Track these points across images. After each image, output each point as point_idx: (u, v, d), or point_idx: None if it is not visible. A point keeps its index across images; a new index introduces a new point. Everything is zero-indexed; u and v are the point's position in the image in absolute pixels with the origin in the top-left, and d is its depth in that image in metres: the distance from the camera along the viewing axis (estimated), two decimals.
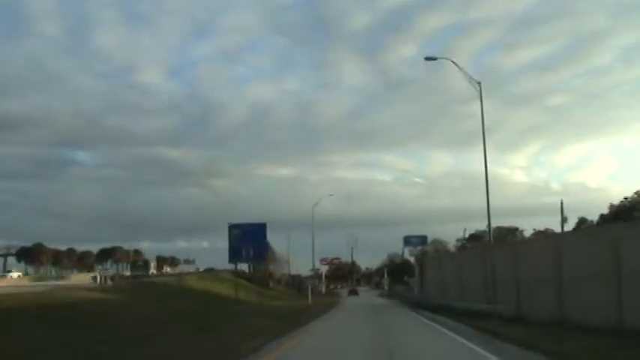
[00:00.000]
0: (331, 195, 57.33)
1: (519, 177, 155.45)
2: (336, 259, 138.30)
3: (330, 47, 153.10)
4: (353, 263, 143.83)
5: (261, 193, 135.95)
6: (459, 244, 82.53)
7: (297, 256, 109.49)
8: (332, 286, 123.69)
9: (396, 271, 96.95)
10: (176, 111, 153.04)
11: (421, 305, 35.60)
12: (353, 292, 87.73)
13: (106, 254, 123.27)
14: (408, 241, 79.62)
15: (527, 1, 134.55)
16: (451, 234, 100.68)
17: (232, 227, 40.80)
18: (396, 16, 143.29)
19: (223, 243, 41.00)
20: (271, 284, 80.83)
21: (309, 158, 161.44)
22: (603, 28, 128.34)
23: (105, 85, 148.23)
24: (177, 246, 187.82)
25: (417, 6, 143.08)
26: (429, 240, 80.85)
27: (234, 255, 41.58)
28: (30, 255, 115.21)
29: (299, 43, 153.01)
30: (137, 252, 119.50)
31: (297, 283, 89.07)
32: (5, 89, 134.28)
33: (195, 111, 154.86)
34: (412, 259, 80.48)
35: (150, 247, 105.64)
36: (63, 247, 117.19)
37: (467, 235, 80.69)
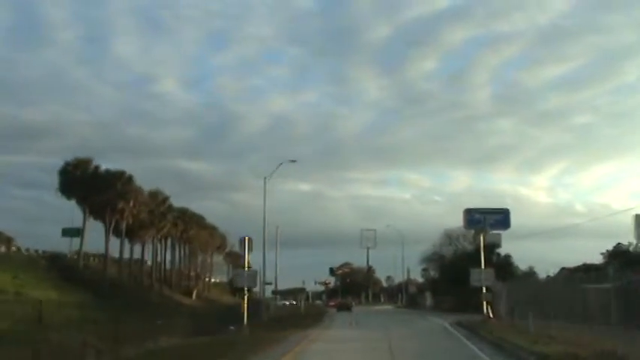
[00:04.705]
0: (293, 161, 39.14)
1: (542, 198, 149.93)
2: (346, 264, 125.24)
3: (349, 60, 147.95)
4: (369, 269, 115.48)
5: (280, 208, 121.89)
6: None
7: (312, 271, 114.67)
8: (331, 302, 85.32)
9: (458, 267, 46.81)
10: (194, 122, 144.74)
11: None
12: (343, 307, 63.19)
13: None
14: (474, 219, 40.55)
15: (553, 15, 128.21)
16: None
17: None
18: (417, 28, 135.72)
19: None
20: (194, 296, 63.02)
21: (328, 173, 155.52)
22: (632, 45, 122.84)
23: (123, 95, 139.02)
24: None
25: (439, 18, 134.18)
26: None
27: None
28: None
29: (317, 54, 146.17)
30: None
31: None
32: (24, 98, 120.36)
33: (213, 122, 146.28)
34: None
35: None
36: None
37: None
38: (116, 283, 42.14)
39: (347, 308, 61.65)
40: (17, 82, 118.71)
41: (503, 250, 54.55)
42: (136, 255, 50.36)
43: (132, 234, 43.26)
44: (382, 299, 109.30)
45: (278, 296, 70.16)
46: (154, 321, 34.45)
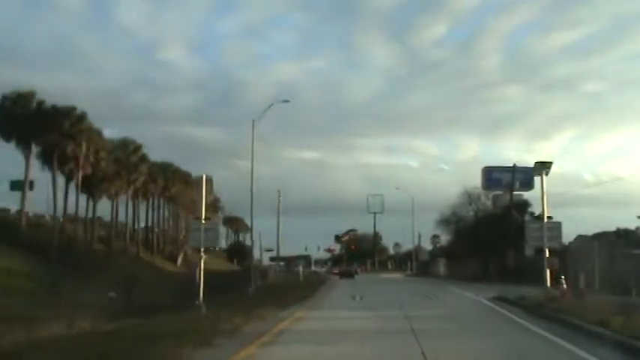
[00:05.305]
0: (287, 101, 34.69)
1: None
2: (351, 231, 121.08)
3: (357, 25, 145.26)
4: (376, 235, 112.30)
5: (285, 175, 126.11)
6: None
7: (317, 239, 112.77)
8: (335, 270, 79.42)
9: (480, 231, 40.68)
10: (199, 89, 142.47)
11: None
12: (347, 275, 59.78)
13: None
14: (493, 179, 39.81)
15: None
16: None
17: None
18: None
19: None
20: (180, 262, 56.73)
21: (335, 141, 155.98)
22: None
23: (129, 62, 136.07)
24: None
25: None
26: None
27: None
28: None
29: (325, 20, 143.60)
30: None
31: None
32: (29, 66, 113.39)
33: (219, 89, 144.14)
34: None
35: None
36: None
37: None
38: (74, 245, 35.41)
39: (350, 275, 58.86)
40: (22, 49, 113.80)
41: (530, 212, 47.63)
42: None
43: (93, 187, 36.14)
44: (390, 267, 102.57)
45: (279, 262, 65.59)
46: (105, 292, 27.81)
